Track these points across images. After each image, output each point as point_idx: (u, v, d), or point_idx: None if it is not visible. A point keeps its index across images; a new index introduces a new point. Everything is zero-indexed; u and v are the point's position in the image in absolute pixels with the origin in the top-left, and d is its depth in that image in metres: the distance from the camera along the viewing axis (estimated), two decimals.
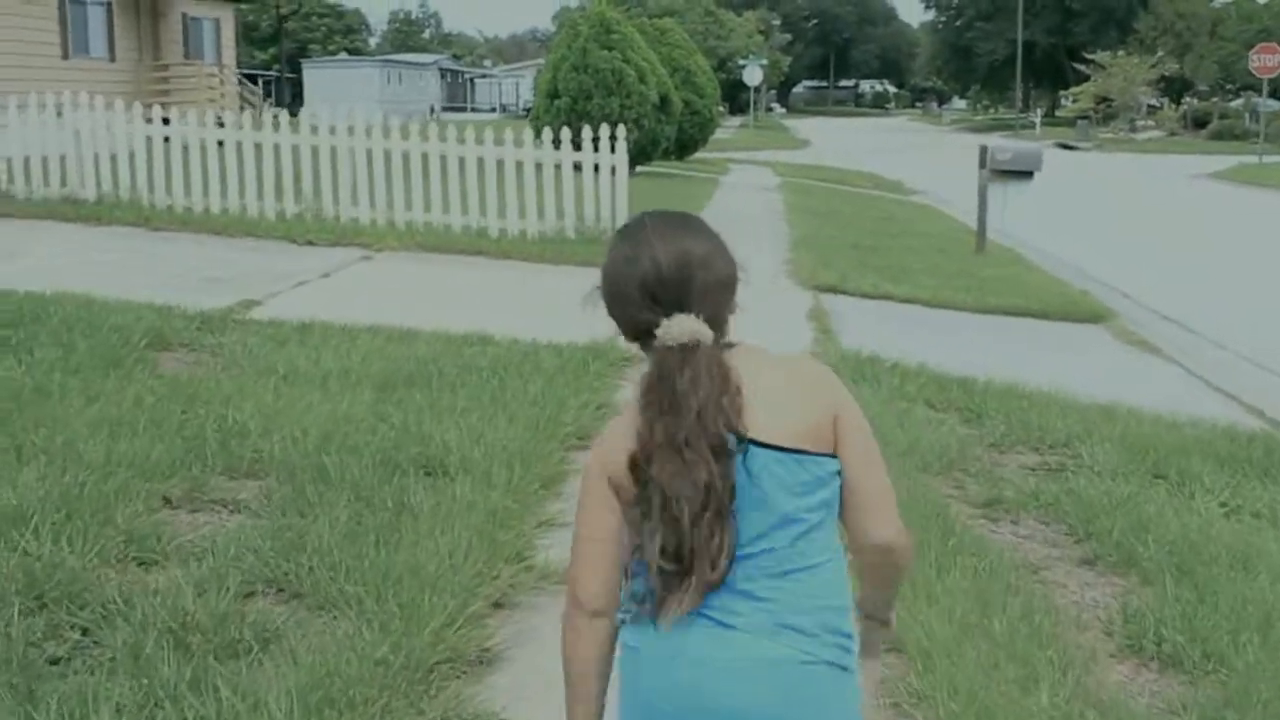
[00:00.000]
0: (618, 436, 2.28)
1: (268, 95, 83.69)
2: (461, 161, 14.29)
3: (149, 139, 14.62)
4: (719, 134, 42.13)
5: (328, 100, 69.99)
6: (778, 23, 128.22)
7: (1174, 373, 10.69)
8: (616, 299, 2.33)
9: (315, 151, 14.51)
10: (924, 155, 52.35)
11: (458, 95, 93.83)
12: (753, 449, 2.18)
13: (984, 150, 15.85)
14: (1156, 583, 5.07)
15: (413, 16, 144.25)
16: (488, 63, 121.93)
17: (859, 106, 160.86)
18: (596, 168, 14.24)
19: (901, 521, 2.34)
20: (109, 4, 30.51)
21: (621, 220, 14.24)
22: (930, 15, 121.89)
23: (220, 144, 14.55)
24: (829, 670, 2.21)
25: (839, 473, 2.28)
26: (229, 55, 36.74)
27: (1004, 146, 16.55)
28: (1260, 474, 6.96)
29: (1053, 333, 11.81)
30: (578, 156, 14.28)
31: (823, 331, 10.18)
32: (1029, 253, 18.05)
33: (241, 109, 31.92)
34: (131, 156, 14.71)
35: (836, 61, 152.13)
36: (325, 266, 12.16)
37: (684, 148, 31.98)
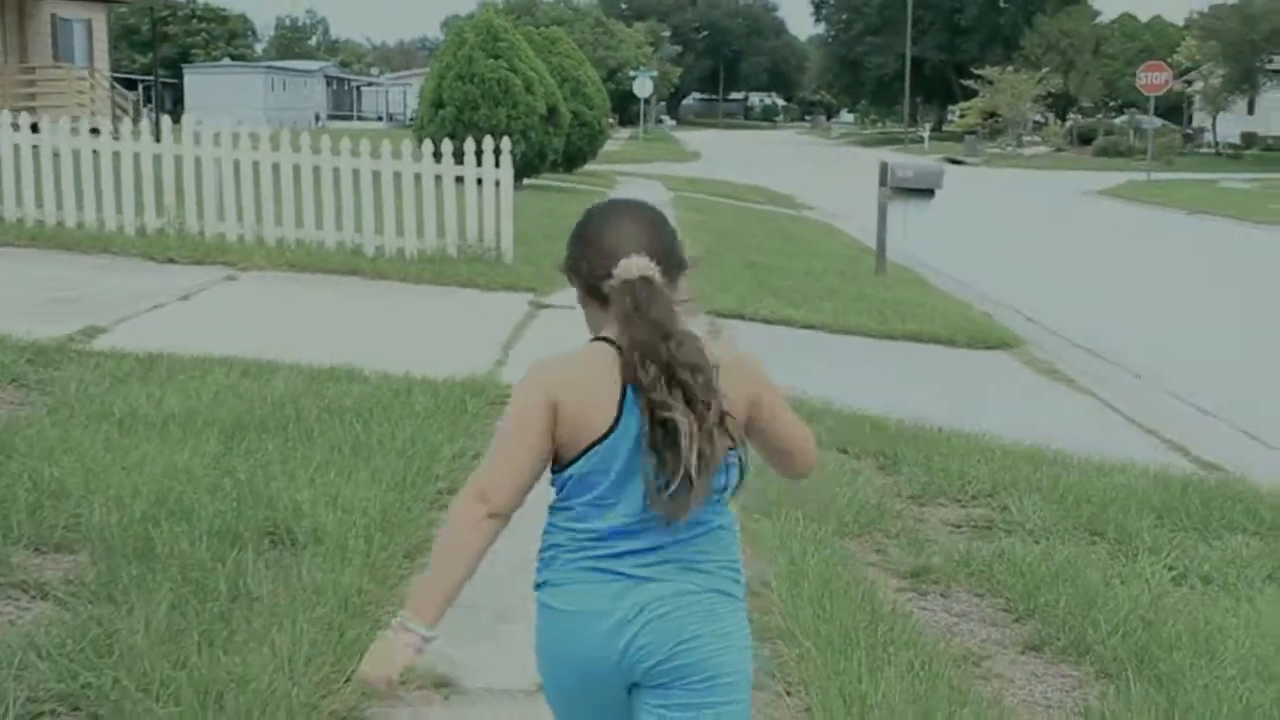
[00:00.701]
0: (571, 369, 2.59)
1: (148, 101, 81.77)
2: (336, 173, 13.42)
3: (16, 147, 13.54)
4: (608, 146, 41.44)
5: (210, 107, 68.68)
6: (668, 34, 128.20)
7: (1088, 404, 10.15)
8: (588, 246, 2.62)
9: (179, 161, 13.54)
10: (814, 169, 52.12)
11: (344, 103, 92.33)
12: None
13: (884, 167, 15.28)
14: (1117, 676, 4.41)
15: (299, 23, 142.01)
16: (375, 70, 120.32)
17: (748, 119, 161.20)
18: (480, 182, 13.44)
19: (814, 450, 2.84)
20: None
21: (507, 237, 13.53)
22: (820, 29, 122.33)
23: (95, 153, 13.52)
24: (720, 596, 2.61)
25: (739, 459, 2.61)
26: (102, 59, 35.36)
27: (904, 164, 16.02)
28: (1200, 528, 6.37)
29: (961, 361, 11.24)
30: (460, 169, 13.45)
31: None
32: (928, 273, 17.57)
33: (115, 116, 30.69)
34: None
35: (726, 74, 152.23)
36: (184, 287, 11.23)
37: (572, 160, 31.21)
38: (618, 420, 2.52)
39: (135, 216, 13.55)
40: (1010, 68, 72.07)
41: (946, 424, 8.08)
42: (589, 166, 34.04)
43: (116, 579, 4.53)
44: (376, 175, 13.37)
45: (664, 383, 2.46)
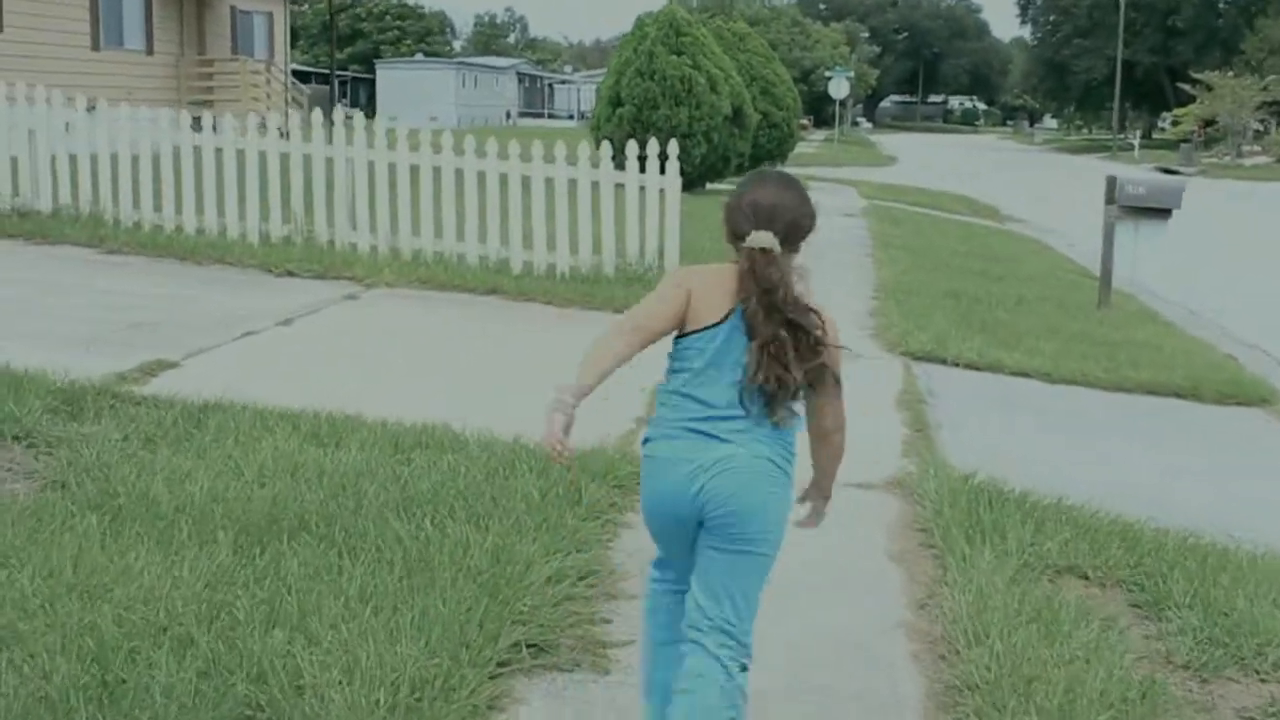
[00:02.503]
0: (708, 274, 3.39)
1: (342, 96, 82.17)
2: (481, 178, 11.85)
3: (176, 148, 12.32)
4: (801, 148, 39.57)
5: (402, 103, 68.56)
6: (866, 35, 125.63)
7: None
8: (735, 209, 3.35)
9: (307, 161, 12.12)
10: (1018, 177, 49.42)
11: (535, 100, 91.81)
12: None
13: (1112, 182, 13.13)
14: None
15: (498, 20, 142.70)
16: (568, 68, 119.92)
17: (947, 123, 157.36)
18: (643, 190, 11.73)
19: (844, 418, 3.46)
20: None
21: (671, 256, 11.79)
22: (1025, 31, 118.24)
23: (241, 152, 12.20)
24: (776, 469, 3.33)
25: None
26: (280, 52, 34.62)
27: (1137, 179, 13.82)
28: None
29: (1211, 422, 9.15)
30: (619, 176, 11.77)
31: (916, 428, 7.59)
32: (1156, 303, 15.34)
33: (287, 110, 29.81)
34: (94, 161, 12.40)
35: (925, 76, 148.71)
36: (293, 308, 9.74)
37: (759, 163, 29.41)
38: (722, 321, 3.30)
39: (261, 222, 12.17)
40: (1230, 72, 67.91)
41: (1214, 525, 6.12)
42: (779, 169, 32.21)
43: None
44: (526, 181, 11.76)
45: (764, 318, 3.24)
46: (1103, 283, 13.42)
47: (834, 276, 14.24)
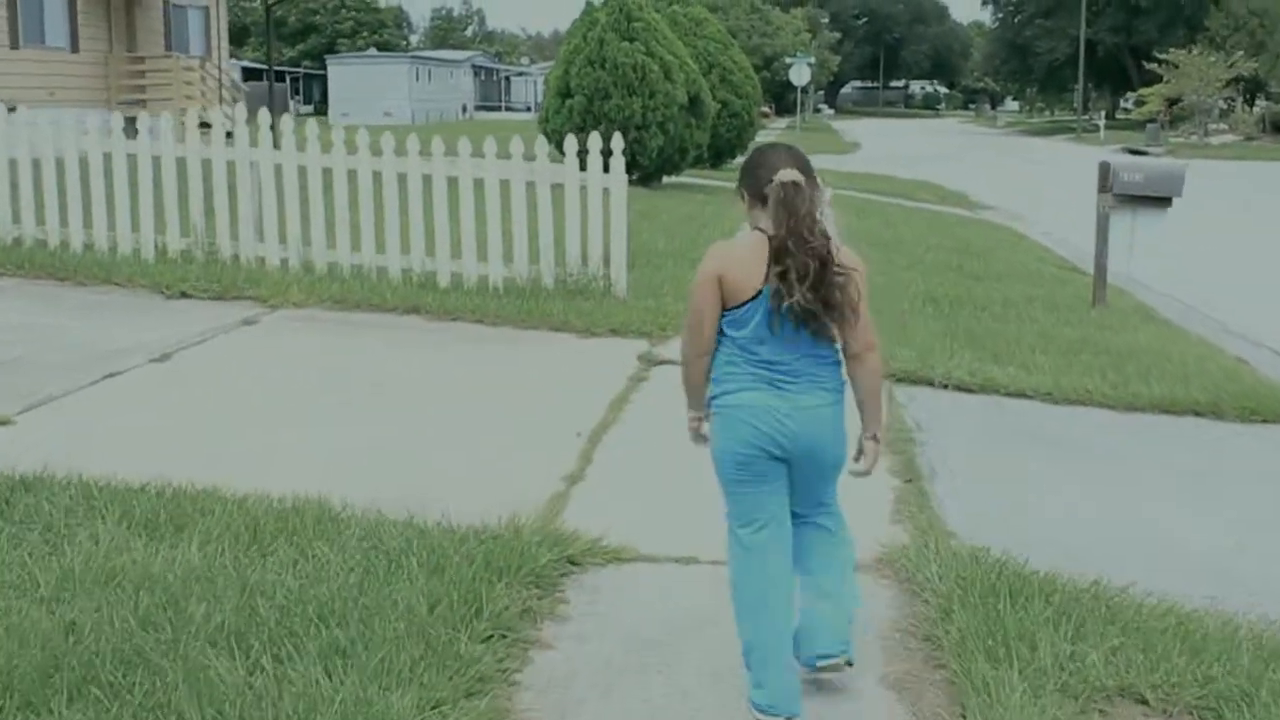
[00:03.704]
0: (737, 250, 3.79)
1: (295, 93, 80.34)
2: (403, 180, 10.51)
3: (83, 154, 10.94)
4: (762, 137, 38.27)
5: (355, 99, 66.99)
6: (826, 20, 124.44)
7: None
8: (759, 167, 3.82)
9: (207, 166, 10.76)
10: (983, 160, 48.34)
11: (493, 94, 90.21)
12: None
13: (1105, 169, 11.85)
14: None
15: (454, 13, 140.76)
16: (525, 60, 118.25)
17: (909, 107, 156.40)
18: (585, 189, 10.41)
19: (874, 338, 3.87)
20: None
21: (618, 264, 10.43)
22: (986, 13, 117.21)
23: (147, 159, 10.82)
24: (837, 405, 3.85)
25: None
26: (219, 48, 33.08)
27: (1133, 165, 12.54)
28: None
29: (1245, 449, 7.89)
30: (557, 175, 10.45)
31: (906, 477, 6.29)
32: (1146, 295, 14.13)
33: (222, 109, 28.30)
34: None
35: (886, 61, 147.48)
36: (177, 338, 8.40)
37: (719, 154, 28.18)
38: (760, 293, 3.72)
39: (157, 235, 10.81)
40: (1196, 50, 66.87)
41: (1271, 596, 4.89)
42: (739, 160, 30.92)
43: None
44: (453, 182, 10.44)
45: (794, 245, 3.63)
46: (1097, 279, 12.17)
47: None
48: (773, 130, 64.49)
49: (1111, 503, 6.25)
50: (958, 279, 13.52)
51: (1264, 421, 8.56)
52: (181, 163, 10.79)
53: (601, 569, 4.95)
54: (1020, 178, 37.70)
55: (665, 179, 23.27)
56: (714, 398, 3.87)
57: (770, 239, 3.67)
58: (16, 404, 6.59)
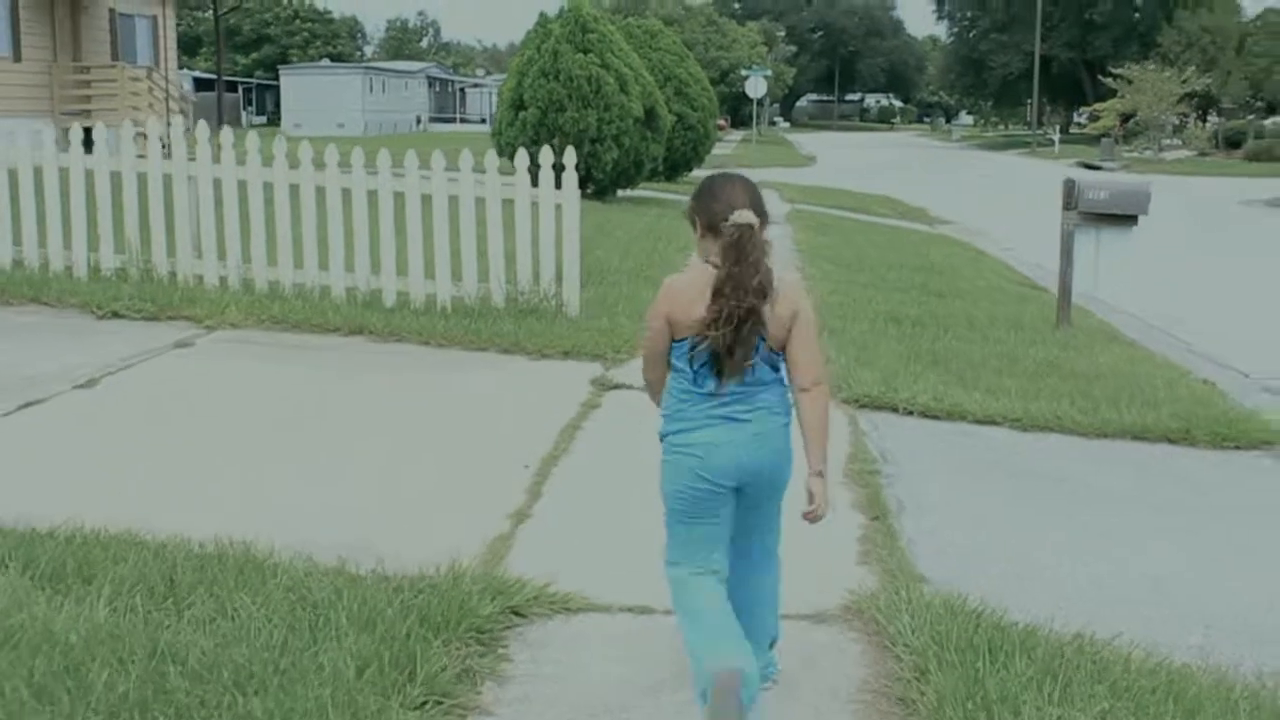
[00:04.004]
0: (685, 287, 3.80)
1: (248, 104, 79.62)
2: (347, 195, 10.12)
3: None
4: (719, 149, 38.01)
5: (307, 110, 66.36)
6: (782, 34, 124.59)
7: None
8: (714, 199, 3.79)
9: (142, 180, 10.34)
10: (939, 175, 48.28)
11: (448, 105, 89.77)
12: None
13: (1070, 185, 11.57)
14: None
15: (409, 24, 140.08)
16: (480, 71, 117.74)
17: (864, 121, 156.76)
18: (536, 205, 10.04)
19: (821, 374, 3.84)
20: None
21: (570, 282, 10.04)
22: (941, 27, 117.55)
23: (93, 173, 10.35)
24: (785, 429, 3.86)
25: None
26: (166, 58, 32.52)
27: (1097, 182, 12.25)
28: None
29: (1219, 477, 7.60)
30: (508, 190, 10.08)
31: (873, 514, 5.94)
32: (1108, 314, 13.89)
33: (169, 120, 27.76)
34: None
35: (842, 74, 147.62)
36: (104, 362, 7.98)
37: (675, 168, 27.87)
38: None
39: (89, 251, 10.37)
40: (1151, 65, 67.11)
41: (1260, 640, 4.58)
42: (696, 173, 30.60)
43: None
44: (399, 197, 10.05)
45: (734, 293, 3.64)
46: (1061, 299, 11.90)
47: None
48: (729, 142, 64.36)
49: (1088, 539, 5.93)
50: (920, 297, 13.23)
51: (1236, 448, 8.29)
52: (116, 176, 10.35)
53: (549, 620, 4.58)
54: (977, 192, 37.56)
55: (620, 192, 22.93)
56: (666, 434, 3.86)
57: (715, 278, 3.68)
58: None
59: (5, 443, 6.35)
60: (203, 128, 10.23)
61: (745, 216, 3.66)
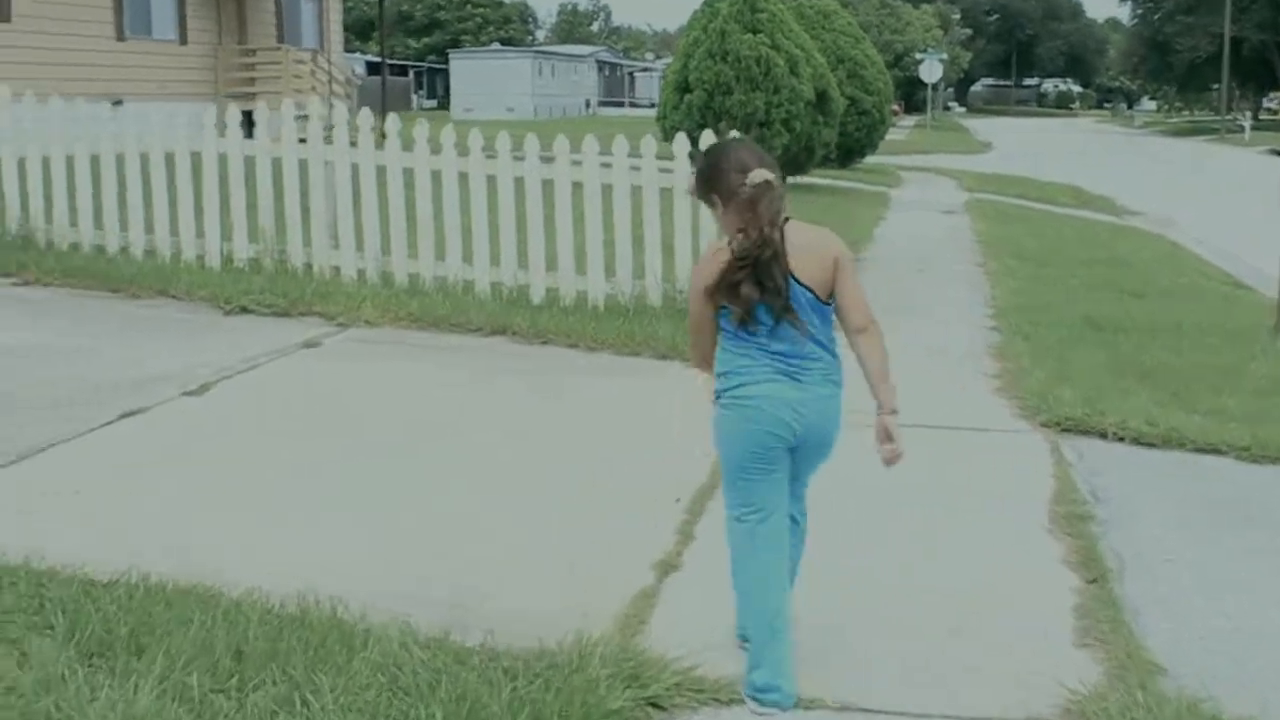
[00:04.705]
0: (709, 261, 3.85)
1: (419, 87, 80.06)
2: (492, 183, 9.35)
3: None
4: (891, 135, 36.68)
5: (477, 94, 66.33)
6: (958, 17, 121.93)
7: None
8: (721, 169, 3.78)
9: (277, 165, 9.70)
10: (1123, 162, 46.18)
11: (616, 89, 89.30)
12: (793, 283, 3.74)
13: None
14: None
15: (580, 9, 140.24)
16: (650, 55, 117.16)
17: (1042, 106, 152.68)
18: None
19: (871, 313, 3.86)
20: None
21: None
22: (1124, 8, 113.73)
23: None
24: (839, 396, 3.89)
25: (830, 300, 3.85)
26: (332, 41, 32.32)
27: None
28: None
29: None
30: (667, 178, 9.23)
31: (1089, 575, 4.93)
32: None
33: (331, 103, 27.48)
34: (22, 167, 10.07)
35: (1019, 59, 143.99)
36: (223, 364, 7.31)
37: (848, 154, 26.69)
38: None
39: (223, 241, 9.78)
40: None
41: None
42: (870, 159, 29.42)
43: None
44: (548, 184, 9.26)
45: (759, 243, 3.66)
46: None
47: (939, 293, 11.63)
48: (902, 128, 62.73)
49: None
50: (1115, 297, 12.04)
51: None
52: (250, 161, 9.73)
53: (694, 714, 3.71)
54: (1164, 180, 35.69)
55: (790, 180, 21.91)
56: (724, 391, 3.87)
57: (733, 240, 3.75)
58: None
59: (81, 465, 5.65)
60: (365, 115, 9.52)
61: (762, 174, 3.70)
